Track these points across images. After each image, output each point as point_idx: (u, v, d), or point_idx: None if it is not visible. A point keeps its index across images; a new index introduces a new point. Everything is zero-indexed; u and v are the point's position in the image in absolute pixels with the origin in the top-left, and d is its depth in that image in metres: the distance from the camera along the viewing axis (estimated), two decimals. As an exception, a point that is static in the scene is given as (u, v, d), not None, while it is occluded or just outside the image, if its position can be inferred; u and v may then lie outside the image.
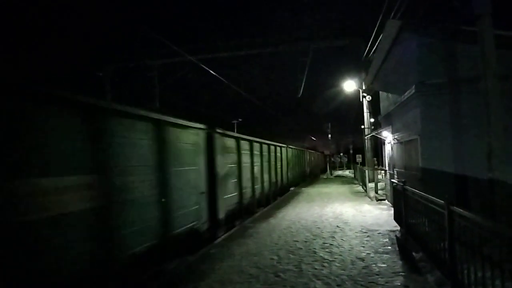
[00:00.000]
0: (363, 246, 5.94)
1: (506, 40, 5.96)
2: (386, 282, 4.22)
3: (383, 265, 4.86)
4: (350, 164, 42.14)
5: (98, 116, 3.61)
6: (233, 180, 8.34)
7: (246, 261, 5.32)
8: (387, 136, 11.67)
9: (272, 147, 13.14)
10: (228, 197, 7.86)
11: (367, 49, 13.64)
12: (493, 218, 4.47)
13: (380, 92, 13.11)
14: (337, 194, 15.32)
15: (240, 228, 7.93)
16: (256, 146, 10.65)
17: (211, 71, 14.29)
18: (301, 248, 5.98)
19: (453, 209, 3.36)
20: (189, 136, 5.92)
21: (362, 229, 7.39)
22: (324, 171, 36.08)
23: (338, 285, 4.21)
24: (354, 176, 26.98)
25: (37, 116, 2.95)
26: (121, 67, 18.78)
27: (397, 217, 6.58)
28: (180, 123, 5.58)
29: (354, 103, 21.15)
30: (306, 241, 6.48)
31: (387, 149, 12.26)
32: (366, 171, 15.98)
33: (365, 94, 16.92)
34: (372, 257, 5.30)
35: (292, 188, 17.86)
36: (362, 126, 18.67)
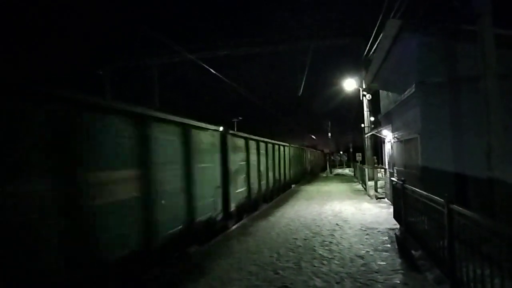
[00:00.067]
0: (363, 244, 5.96)
1: (506, 40, 5.97)
2: (385, 280, 4.24)
3: (382, 263, 4.88)
4: (350, 162, 42.16)
5: (144, 122, 4.41)
6: (242, 176, 8.99)
7: (246, 258, 5.34)
8: (387, 134, 11.70)
9: (276, 146, 13.79)
10: (238, 191, 8.51)
11: (367, 48, 13.65)
12: (492, 217, 4.49)
13: (380, 90, 13.13)
14: (337, 192, 15.31)
15: (240, 226, 7.97)
16: (262, 145, 11.48)
17: (211, 70, 14.31)
18: (300, 246, 6.00)
19: (453, 207, 3.37)
20: (208, 137, 6.66)
21: (361, 227, 7.40)
22: (324, 169, 36.01)
23: (337, 283, 4.23)
24: (354, 174, 26.96)
25: (101, 123, 3.69)
26: (121, 67, 18.78)
27: (396, 215, 6.59)
28: (201, 126, 6.32)
29: (354, 101, 21.17)
30: (305, 239, 6.51)
31: (387, 147, 12.29)
32: (366, 170, 15.97)
33: (365, 93, 16.93)
34: (371, 255, 5.32)
35: (293, 185, 17.91)
36: (362, 125, 18.67)
